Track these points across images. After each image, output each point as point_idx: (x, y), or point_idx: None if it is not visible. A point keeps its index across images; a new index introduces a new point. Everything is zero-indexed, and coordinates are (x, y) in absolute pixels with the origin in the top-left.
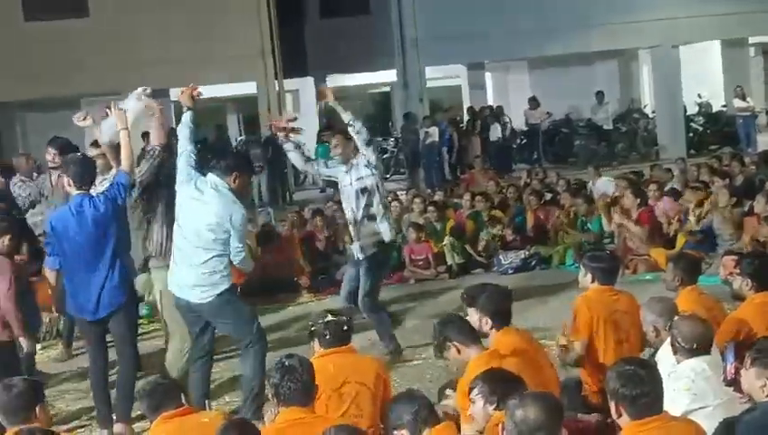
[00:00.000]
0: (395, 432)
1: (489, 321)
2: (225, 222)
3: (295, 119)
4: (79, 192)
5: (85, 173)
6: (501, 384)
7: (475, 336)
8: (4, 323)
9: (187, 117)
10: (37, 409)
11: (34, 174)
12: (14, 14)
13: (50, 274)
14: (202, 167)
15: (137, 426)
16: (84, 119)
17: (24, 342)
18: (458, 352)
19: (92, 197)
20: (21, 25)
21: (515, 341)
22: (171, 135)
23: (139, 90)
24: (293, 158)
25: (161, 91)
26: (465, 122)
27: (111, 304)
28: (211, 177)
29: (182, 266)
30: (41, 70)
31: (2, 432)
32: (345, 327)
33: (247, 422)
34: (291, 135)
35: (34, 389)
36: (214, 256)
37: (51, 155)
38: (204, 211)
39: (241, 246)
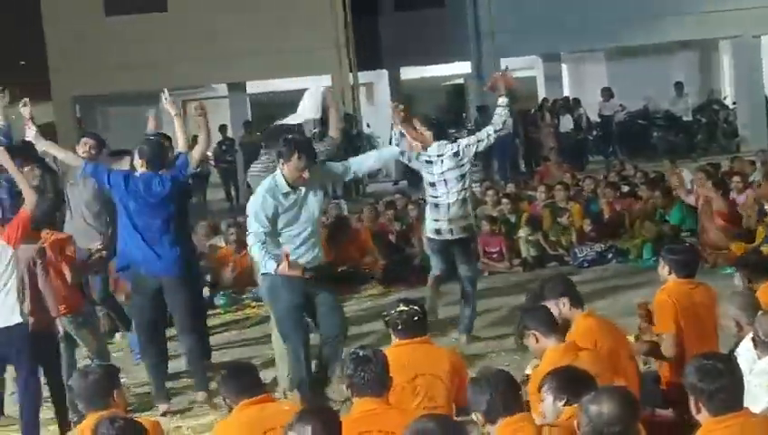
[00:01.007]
0: (473, 415)
1: (566, 301)
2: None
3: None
4: (148, 170)
5: (157, 155)
6: (570, 381)
7: (554, 327)
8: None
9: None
10: (115, 394)
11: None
12: (96, 9)
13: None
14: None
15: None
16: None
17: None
18: (536, 340)
19: (160, 175)
20: (102, 20)
21: (596, 327)
22: (246, 128)
23: (163, 94)
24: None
25: (238, 85)
26: (536, 114)
27: (168, 269)
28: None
29: None
30: (121, 64)
31: (81, 417)
32: (418, 317)
33: (326, 408)
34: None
35: (111, 375)
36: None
37: (87, 146)
38: None
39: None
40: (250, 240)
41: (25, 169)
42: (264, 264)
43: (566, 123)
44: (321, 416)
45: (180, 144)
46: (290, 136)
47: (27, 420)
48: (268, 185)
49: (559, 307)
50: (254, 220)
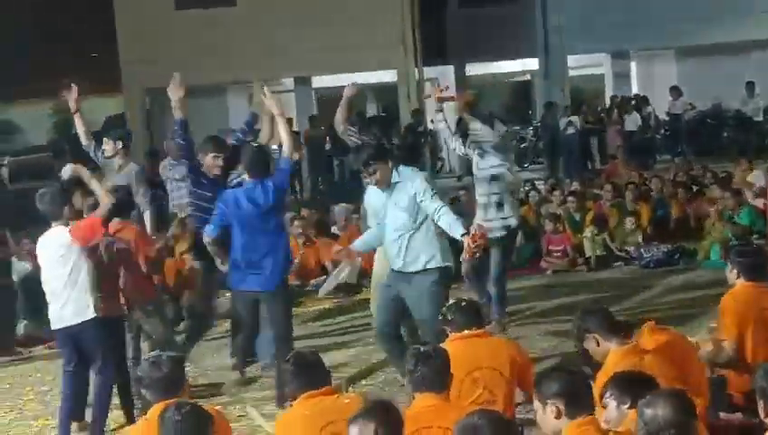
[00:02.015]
0: (547, 402)
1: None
2: None
3: (447, 88)
4: (252, 179)
5: (259, 161)
6: (633, 384)
7: (615, 329)
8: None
9: None
10: (181, 384)
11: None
12: (167, 2)
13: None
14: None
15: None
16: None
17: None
18: (597, 344)
19: (264, 183)
20: (172, 14)
21: (663, 336)
22: (311, 122)
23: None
24: (443, 128)
25: (304, 79)
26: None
27: (268, 284)
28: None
29: None
30: (190, 57)
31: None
32: (475, 311)
33: (390, 403)
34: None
35: (180, 365)
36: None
37: (110, 145)
38: None
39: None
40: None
41: None
42: (453, 227)
43: (634, 122)
44: (384, 412)
45: (285, 148)
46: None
47: (99, 413)
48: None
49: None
50: (432, 188)
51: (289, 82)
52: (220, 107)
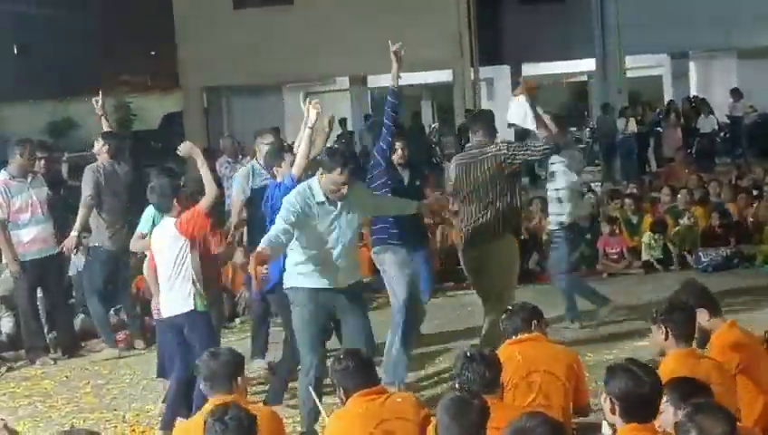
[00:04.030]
0: (607, 395)
1: (706, 312)
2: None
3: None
4: None
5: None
6: (691, 391)
7: (689, 336)
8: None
9: None
10: (239, 380)
11: (239, 155)
12: (225, 2)
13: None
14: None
15: None
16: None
17: None
18: (666, 338)
19: None
20: (230, 13)
21: (741, 339)
22: (366, 120)
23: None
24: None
25: (360, 78)
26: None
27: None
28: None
29: None
30: (247, 56)
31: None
32: (529, 316)
33: (466, 399)
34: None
35: (238, 360)
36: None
37: (98, 145)
38: None
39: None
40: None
41: None
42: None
43: (710, 124)
44: (464, 405)
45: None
46: (335, 147)
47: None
48: (300, 188)
49: (698, 318)
50: (279, 219)
51: (344, 82)
52: (276, 106)
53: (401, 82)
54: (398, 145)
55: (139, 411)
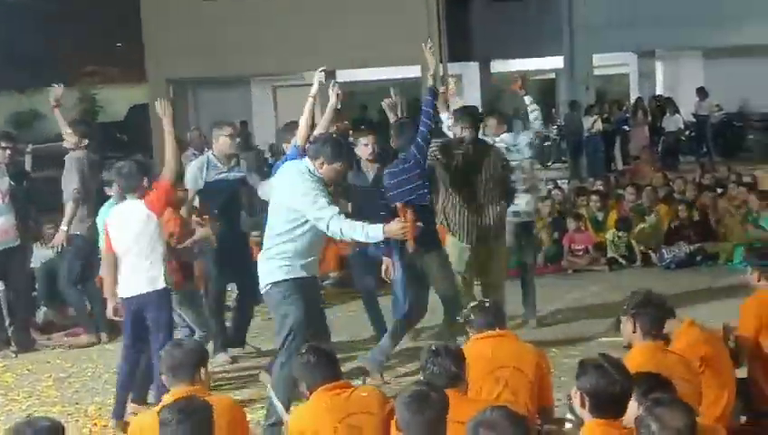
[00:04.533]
0: (577, 390)
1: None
2: (289, 200)
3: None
4: None
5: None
6: (652, 386)
7: (657, 332)
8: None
9: None
10: (202, 371)
11: (205, 148)
12: None
13: None
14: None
15: None
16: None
17: None
18: (634, 330)
19: None
20: (198, 4)
21: (702, 337)
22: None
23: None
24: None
25: (328, 73)
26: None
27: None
28: (305, 160)
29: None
30: (213, 48)
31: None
32: (496, 312)
33: (431, 392)
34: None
35: (202, 350)
36: (278, 245)
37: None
38: (274, 196)
39: (320, 213)
40: (334, 224)
41: None
42: (367, 233)
43: (675, 123)
44: (429, 397)
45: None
46: (340, 139)
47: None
48: (309, 172)
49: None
50: (322, 199)
51: (311, 76)
52: (244, 99)
53: (367, 78)
54: (365, 141)
55: (101, 405)
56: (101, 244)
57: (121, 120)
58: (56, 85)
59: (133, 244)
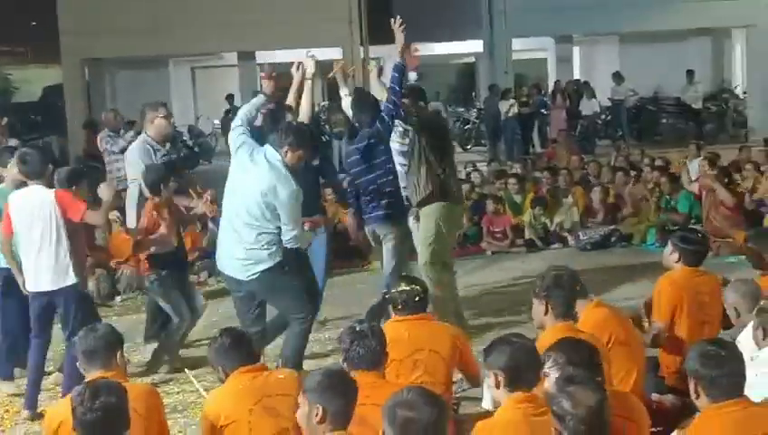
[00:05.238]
0: (491, 371)
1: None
2: (272, 197)
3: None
4: None
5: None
6: (577, 353)
7: (568, 311)
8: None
9: (259, 100)
10: (118, 356)
11: (121, 130)
12: None
13: None
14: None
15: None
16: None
17: None
18: (546, 312)
19: None
20: None
21: (609, 317)
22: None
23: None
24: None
25: (248, 54)
26: (546, 95)
27: None
28: (267, 148)
29: (231, 242)
30: (131, 28)
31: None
32: (419, 296)
33: (344, 371)
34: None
35: (117, 336)
36: (263, 233)
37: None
38: (253, 184)
39: (289, 225)
40: (293, 242)
41: None
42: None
43: (591, 107)
44: (344, 377)
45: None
46: (302, 126)
47: (70, 373)
48: (277, 163)
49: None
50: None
51: (232, 57)
52: (161, 79)
53: (288, 59)
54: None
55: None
56: None
57: (36, 102)
58: None
59: (33, 232)
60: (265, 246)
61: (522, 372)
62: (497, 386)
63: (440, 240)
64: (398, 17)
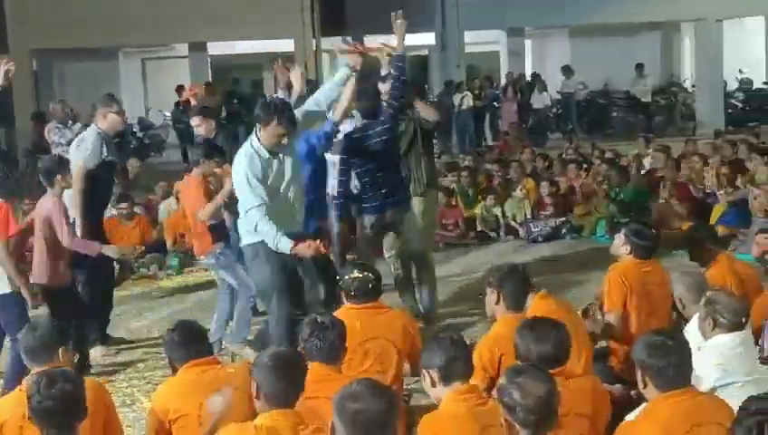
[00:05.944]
0: (425, 371)
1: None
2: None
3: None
4: None
5: None
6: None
7: (520, 302)
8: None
9: (344, 72)
10: (60, 351)
11: (69, 121)
12: None
13: None
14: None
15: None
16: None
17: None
18: (497, 302)
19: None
20: None
21: (554, 308)
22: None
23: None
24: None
25: (199, 45)
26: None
27: None
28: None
29: None
30: (80, 19)
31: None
32: (371, 284)
33: (296, 356)
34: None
35: (59, 332)
36: (248, 209)
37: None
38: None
39: (246, 206)
40: (254, 216)
41: None
42: (277, 243)
43: (542, 100)
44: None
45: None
46: (269, 99)
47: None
48: (246, 153)
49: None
50: (250, 192)
51: (182, 48)
52: (111, 70)
53: (239, 50)
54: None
55: None
56: None
57: None
58: None
59: None
60: (246, 224)
61: (454, 364)
62: (432, 385)
63: (434, 227)
64: (399, 11)
